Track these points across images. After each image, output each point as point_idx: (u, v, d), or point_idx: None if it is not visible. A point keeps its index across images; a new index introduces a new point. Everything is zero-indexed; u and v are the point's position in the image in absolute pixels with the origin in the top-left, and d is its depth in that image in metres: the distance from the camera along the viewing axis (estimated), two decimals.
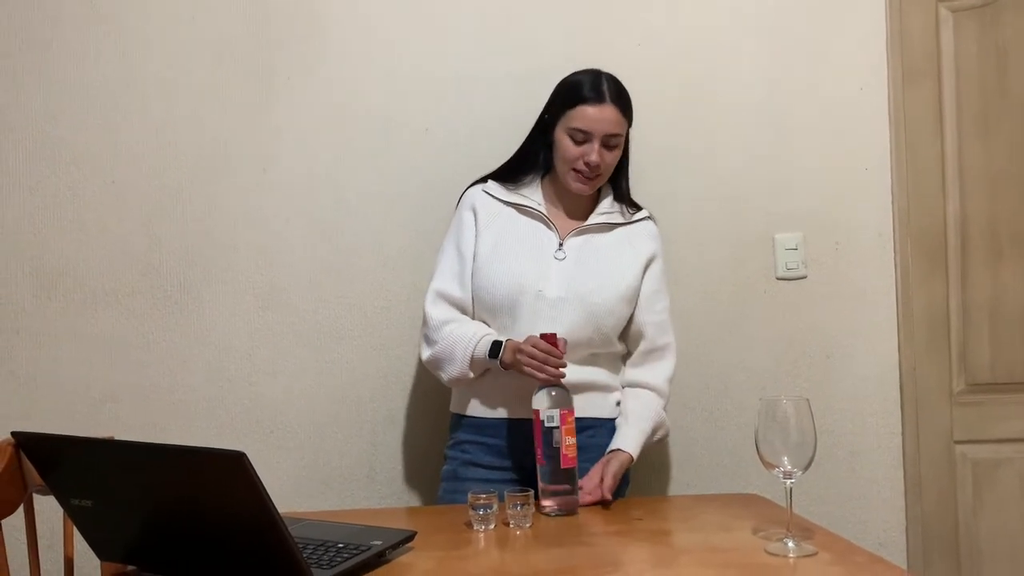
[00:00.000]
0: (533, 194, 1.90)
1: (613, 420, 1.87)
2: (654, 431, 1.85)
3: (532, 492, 1.55)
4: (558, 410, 1.66)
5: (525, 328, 1.78)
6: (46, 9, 2.10)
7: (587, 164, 1.81)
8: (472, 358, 1.79)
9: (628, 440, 1.80)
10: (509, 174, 1.92)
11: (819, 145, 2.22)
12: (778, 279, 2.22)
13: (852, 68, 2.23)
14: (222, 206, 2.14)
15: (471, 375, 1.81)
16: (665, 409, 1.89)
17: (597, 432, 1.84)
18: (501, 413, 1.85)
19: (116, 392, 2.11)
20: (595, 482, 1.71)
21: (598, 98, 1.80)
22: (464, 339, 1.80)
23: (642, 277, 1.88)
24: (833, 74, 2.23)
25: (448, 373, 1.83)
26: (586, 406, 1.81)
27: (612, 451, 1.78)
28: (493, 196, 1.90)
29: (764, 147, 2.22)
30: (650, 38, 2.20)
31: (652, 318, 1.88)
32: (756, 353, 2.22)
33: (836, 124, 2.23)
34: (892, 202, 2.23)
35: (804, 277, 2.22)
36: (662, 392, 1.89)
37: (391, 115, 2.17)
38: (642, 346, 1.89)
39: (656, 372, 1.89)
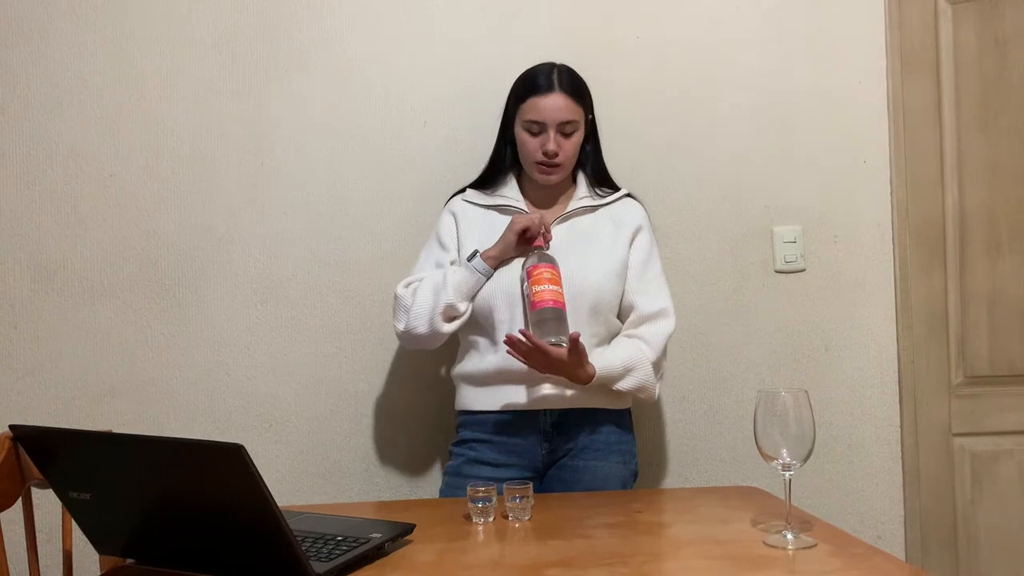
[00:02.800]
0: (511, 192, 1.92)
1: (617, 411, 1.86)
2: (627, 369, 1.78)
3: (531, 484, 1.54)
4: (525, 268, 1.77)
5: (520, 322, 1.78)
6: (43, 1, 2.10)
7: (545, 154, 1.83)
8: (452, 285, 1.79)
9: (598, 361, 1.76)
10: (486, 179, 1.95)
11: (818, 138, 2.22)
12: (776, 272, 2.22)
13: (851, 60, 2.23)
14: (220, 199, 2.13)
15: (454, 302, 1.79)
16: (657, 368, 1.83)
17: (598, 427, 1.84)
18: (503, 404, 1.83)
19: (114, 386, 2.11)
20: (540, 348, 1.68)
21: (547, 88, 1.83)
22: (436, 279, 1.81)
23: (629, 249, 1.88)
24: (832, 66, 2.22)
25: (424, 320, 1.80)
26: (588, 396, 1.81)
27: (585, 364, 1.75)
28: (473, 203, 1.93)
29: (763, 140, 2.22)
30: (649, 31, 2.20)
31: (641, 287, 1.86)
32: (754, 346, 2.22)
33: (835, 116, 2.22)
34: (891, 195, 2.23)
35: (803, 270, 2.22)
36: (651, 343, 1.82)
37: (389, 108, 2.16)
38: (633, 316, 1.86)
39: (647, 329, 1.84)
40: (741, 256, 2.22)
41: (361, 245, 2.15)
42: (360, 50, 2.16)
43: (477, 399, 1.86)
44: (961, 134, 2.23)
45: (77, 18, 2.10)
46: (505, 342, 1.72)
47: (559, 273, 1.76)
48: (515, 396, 1.82)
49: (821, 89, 2.22)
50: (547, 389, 1.81)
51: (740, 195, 2.21)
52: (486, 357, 1.84)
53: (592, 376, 1.75)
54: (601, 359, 1.77)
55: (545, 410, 1.82)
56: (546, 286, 1.73)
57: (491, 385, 1.84)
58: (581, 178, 1.93)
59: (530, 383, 1.81)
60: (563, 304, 1.73)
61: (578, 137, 1.86)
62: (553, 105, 1.82)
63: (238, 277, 2.14)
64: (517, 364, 1.74)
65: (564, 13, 2.18)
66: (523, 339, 1.68)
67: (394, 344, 2.16)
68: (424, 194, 2.14)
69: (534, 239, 1.80)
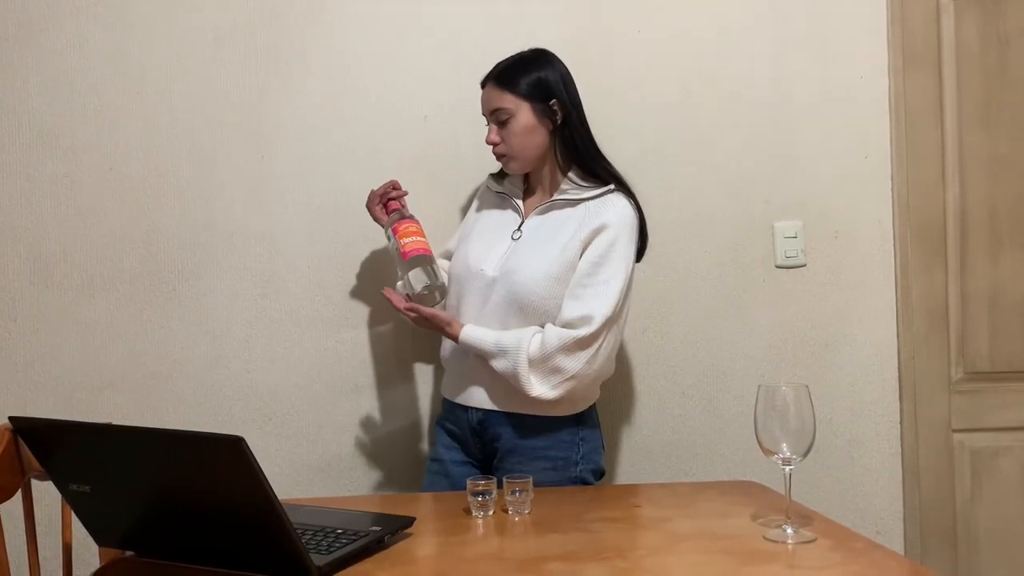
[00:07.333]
0: (515, 180, 1.94)
1: (548, 417, 1.79)
2: (498, 349, 1.73)
3: (531, 478, 1.55)
4: (389, 227, 1.86)
5: (467, 306, 1.83)
6: None
7: (488, 143, 1.86)
8: None
9: (473, 328, 1.78)
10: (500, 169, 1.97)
11: (819, 133, 2.22)
12: (777, 267, 2.22)
13: (853, 56, 2.22)
14: (220, 193, 2.13)
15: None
16: (539, 366, 1.71)
17: (524, 431, 1.80)
18: (448, 393, 1.93)
19: (114, 379, 2.11)
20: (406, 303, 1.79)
21: (483, 81, 1.88)
22: None
23: (582, 252, 1.76)
24: (833, 62, 2.22)
25: None
26: (514, 400, 1.78)
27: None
28: (489, 188, 1.99)
29: (764, 135, 2.21)
30: (651, 25, 2.19)
31: (575, 290, 1.73)
32: (755, 342, 2.22)
33: (836, 112, 2.22)
34: (892, 190, 2.23)
35: (803, 266, 2.22)
36: (545, 341, 1.70)
37: (390, 102, 2.16)
38: (559, 318, 1.74)
39: (553, 328, 1.72)
40: (742, 251, 2.22)
41: (361, 239, 2.15)
42: (361, 45, 2.15)
43: (442, 383, 1.98)
44: (963, 130, 2.23)
45: (78, 11, 2.10)
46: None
47: (419, 224, 1.86)
48: (451, 387, 1.91)
49: (823, 85, 2.21)
50: (470, 387, 1.84)
51: (741, 190, 2.21)
52: (444, 342, 1.92)
53: (457, 335, 1.78)
54: (479, 329, 1.78)
55: (471, 407, 1.85)
56: (411, 238, 1.82)
57: (448, 371, 1.94)
58: (571, 169, 1.84)
59: (459, 377, 1.87)
60: (429, 250, 1.82)
61: (516, 124, 1.80)
62: (484, 97, 1.87)
63: (238, 270, 2.14)
64: (454, 353, 1.86)
65: (564, 7, 2.17)
66: (388, 298, 1.81)
67: (394, 338, 2.16)
68: (424, 188, 2.13)
69: (390, 203, 1.92)
